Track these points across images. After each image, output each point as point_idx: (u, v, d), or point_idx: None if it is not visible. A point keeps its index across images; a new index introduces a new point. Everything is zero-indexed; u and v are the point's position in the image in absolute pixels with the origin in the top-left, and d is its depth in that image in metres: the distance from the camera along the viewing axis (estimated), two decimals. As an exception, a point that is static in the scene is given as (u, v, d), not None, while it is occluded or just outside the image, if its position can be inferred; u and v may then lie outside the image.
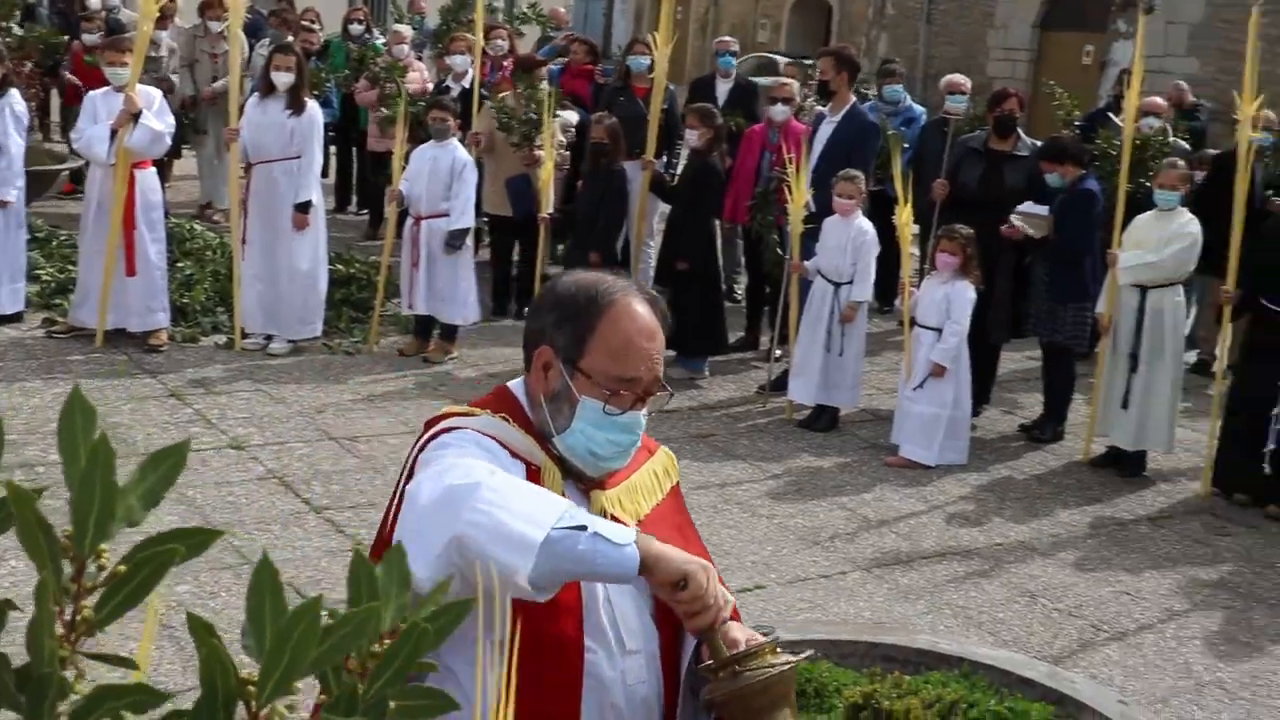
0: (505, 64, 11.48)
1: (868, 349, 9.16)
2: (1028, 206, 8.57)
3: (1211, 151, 10.76)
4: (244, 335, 9.12)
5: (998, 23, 25.22)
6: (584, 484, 2.37)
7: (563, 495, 2.25)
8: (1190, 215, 7.97)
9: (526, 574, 1.95)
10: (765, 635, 2.24)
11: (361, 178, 13.59)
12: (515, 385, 2.46)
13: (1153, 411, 7.94)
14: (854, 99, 9.57)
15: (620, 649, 2.29)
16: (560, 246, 11.26)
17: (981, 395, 8.79)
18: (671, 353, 9.47)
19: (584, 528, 1.99)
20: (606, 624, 2.28)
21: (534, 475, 2.30)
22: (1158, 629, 6.06)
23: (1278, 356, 7.41)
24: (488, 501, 2.01)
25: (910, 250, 8.66)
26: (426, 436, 2.35)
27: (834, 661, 4.92)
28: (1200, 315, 10.45)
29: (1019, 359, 9.90)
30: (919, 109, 11.73)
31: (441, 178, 9.10)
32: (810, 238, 8.56)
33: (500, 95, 10.40)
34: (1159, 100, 10.61)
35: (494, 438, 2.31)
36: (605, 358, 2.29)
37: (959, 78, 10.82)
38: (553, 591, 2.02)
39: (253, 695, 1.13)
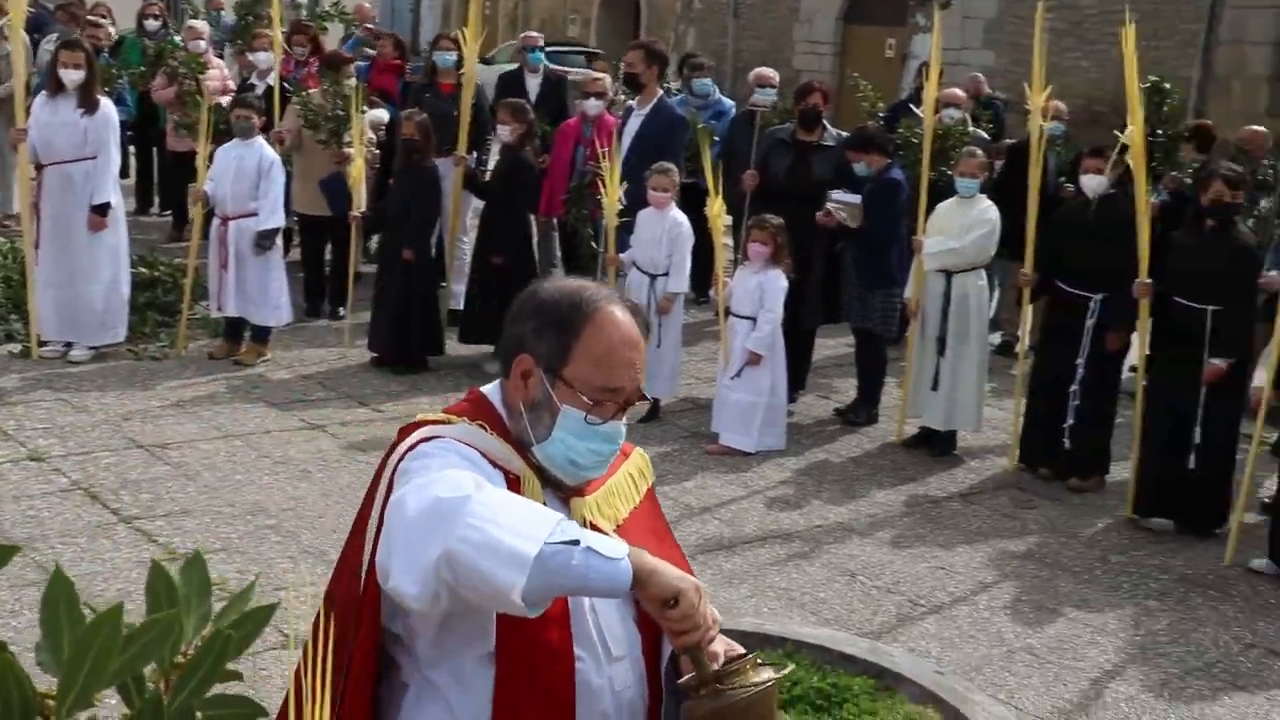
0: (310, 61, 11.26)
1: (685, 339, 9.25)
2: (841, 195, 8.76)
3: (1009, 141, 11.16)
4: (41, 343, 8.74)
5: (803, 17, 25.71)
6: (563, 492, 2.33)
7: (543, 504, 2.20)
8: (989, 202, 8.25)
9: (520, 590, 1.91)
10: (744, 651, 2.22)
11: (162, 178, 13.17)
12: (490, 391, 2.40)
13: (961, 392, 8.20)
14: (661, 92, 9.66)
15: (607, 655, 2.26)
16: (372, 245, 11.10)
17: (797, 381, 8.95)
18: (489, 348, 9.42)
19: (576, 542, 1.95)
20: (593, 631, 2.26)
21: (513, 484, 2.25)
22: (971, 601, 6.25)
23: (1074, 336, 7.73)
24: (478, 516, 1.95)
25: (723, 241, 8.76)
26: (405, 446, 2.26)
27: (661, 649, 4.95)
28: (1002, 298, 10.83)
29: (833, 345, 10.11)
30: (728, 102, 11.88)
31: (248, 177, 8.87)
32: (626, 230, 8.59)
33: (307, 92, 10.19)
34: (958, 92, 10.95)
35: (473, 446, 2.25)
36: (589, 367, 2.25)
37: (766, 71, 11.00)
38: (544, 607, 1.98)
39: (51, 710, 1.08)
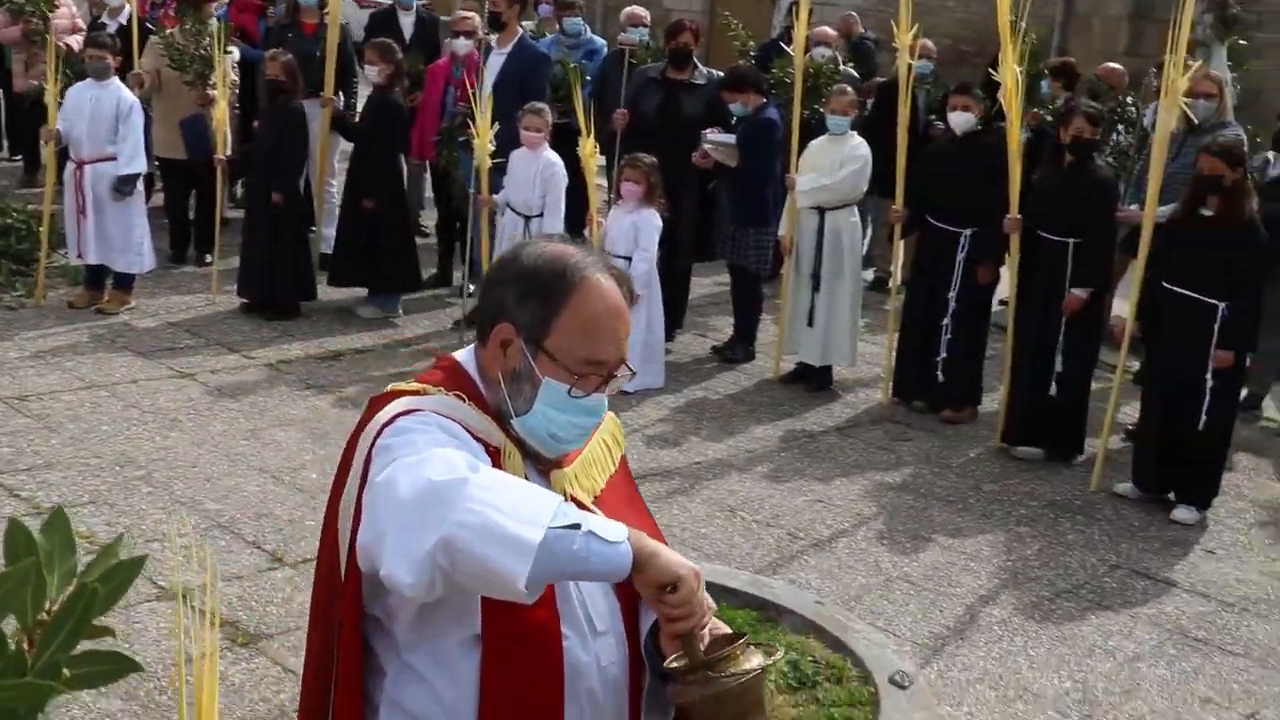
0: (168, 1, 10.88)
1: (562, 280, 9.18)
2: (717, 135, 8.75)
3: (879, 79, 11.24)
4: (-113, 296, 8.37)
5: (673, -45, 25.55)
6: (542, 464, 2.24)
7: (525, 477, 2.14)
8: (860, 139, 8.32)
9: (524, 577, 1.83)
10: (732, 631, 2.16)
11: (11, 120, 12.66)
12: (464, 358, 2.27)
13: (836, 328, 8.29)
14: (522, 30, 9.54)
15: (591, 631, 2.18)
16: (238, 188, 10.82)
17: (674, 320, 8.97)
18: (363, 291, 9.27)
19: (578, 525, 1.89)
20: (577, 607, 2.17)
21: (494, 457, 2.14)
22: (849, 533, 6.36)
23: (945, 271, 7.85)
24: (476, 500, 1.86)
25: (596, 181, 8.71)
26: (381, 420, 2.13)
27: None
28: (875, 235, 10.95)
29: (708, 284, 10.15)
30: (600, 41, 11.75)
31: (105, 120, 8.56)
32: (499, 172, 8.49)
33: (168, 32, 9.85)
34: (828, 30, 10.99)
35: (453, 419, 2.14)
36: (573, 339, 2.14)
37: (638, 10, 10.89)
38: (540, 592, 1.91)
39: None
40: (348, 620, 2.13)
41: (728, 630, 2.15)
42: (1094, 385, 7.68)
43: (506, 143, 8.41)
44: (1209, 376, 6.65)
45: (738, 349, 8.89)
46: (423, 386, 2.21)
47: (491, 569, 1.84)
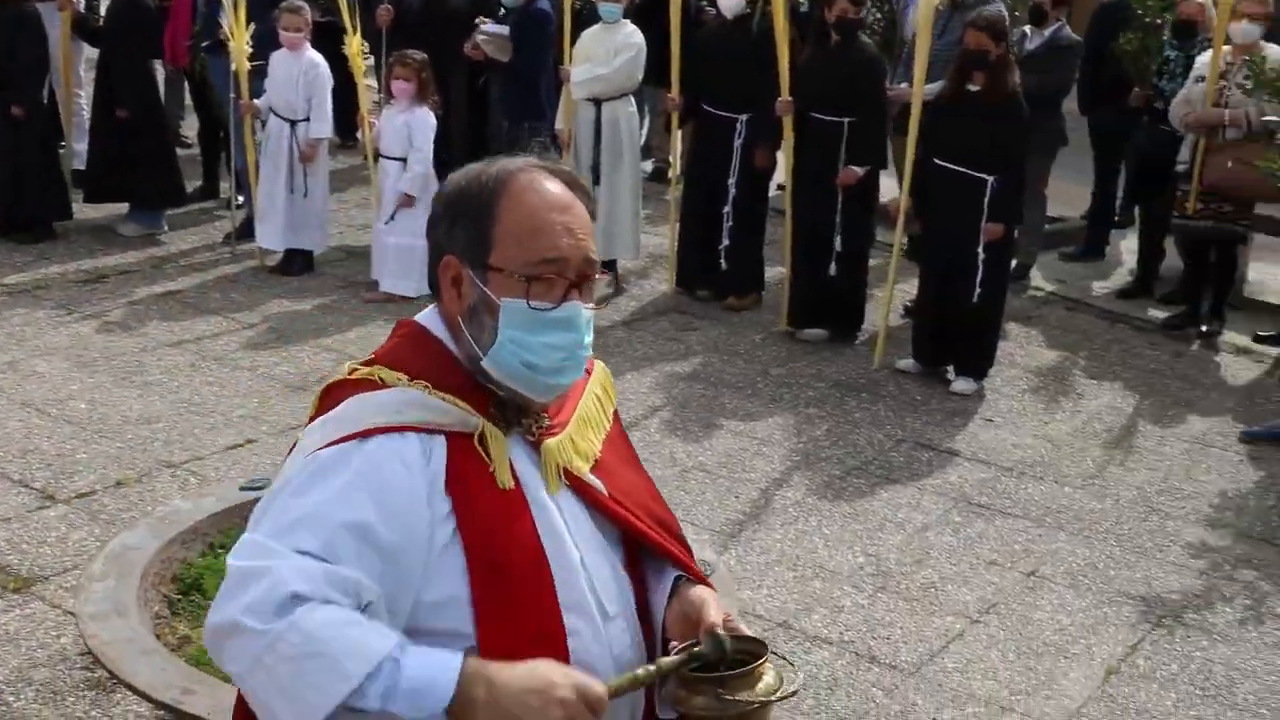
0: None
1: (334, 186, 8.91)
2: (490, 27, 8.51)
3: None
4: None
5: None
6: (532, 435, 1.98)
7: (508, 462, 1.92)
8: (634, 27, 8.19)
9: None
10: (753, 636, 1.97)
11: None
12: (427, 319, 2.01)
13: (617, 221, 8.22)
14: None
15: (603, 615, 1.96)
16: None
17: (454, 222, 8.76)
18: (123, 208, 8.80)
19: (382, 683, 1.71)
20: (585, 591, 1.95)
21: (467, 448, 1.90)
22: (642, 425, 6.36)
23: (723, 158, 7.84)
24: (273, 657, 1.71)
25: (365, 81, 8.39)
26: (316, 444, 1.88)
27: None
28: (652, 125, 10.89)
29: (487, 182, 9.92)
30: (359, -67, 11.30)
31: None
32: (259, 75, 8.10)
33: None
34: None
35: (410, 427, 1.87)
36: (515, 244, 1.89)
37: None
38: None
39: None
40: None
41: (748, 633, 1.96)
42: (872, 263, 7.83)
43: (265, 44, 8.01)
44: (980, 250, 6.84)
45: (520, 248, 8.74)
46: (380, 374, 1.94)
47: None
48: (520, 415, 1.98)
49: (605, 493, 2.03)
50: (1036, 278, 8.82)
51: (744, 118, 7.75)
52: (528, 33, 8.32)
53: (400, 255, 7.81)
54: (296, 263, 8.21)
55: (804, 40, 7.81)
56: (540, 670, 1.76)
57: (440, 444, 1.89)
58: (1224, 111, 7.45)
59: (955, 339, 7.06)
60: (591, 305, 1.97)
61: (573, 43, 8.16)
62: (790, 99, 7.41)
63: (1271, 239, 8.45)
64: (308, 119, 8.06)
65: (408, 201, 7.78)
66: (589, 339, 1.98)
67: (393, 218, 7.82)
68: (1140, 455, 6.47)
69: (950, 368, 7.15)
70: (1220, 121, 7.46)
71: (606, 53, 8.05)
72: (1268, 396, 7.21)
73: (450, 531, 1.86)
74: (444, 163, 8.14)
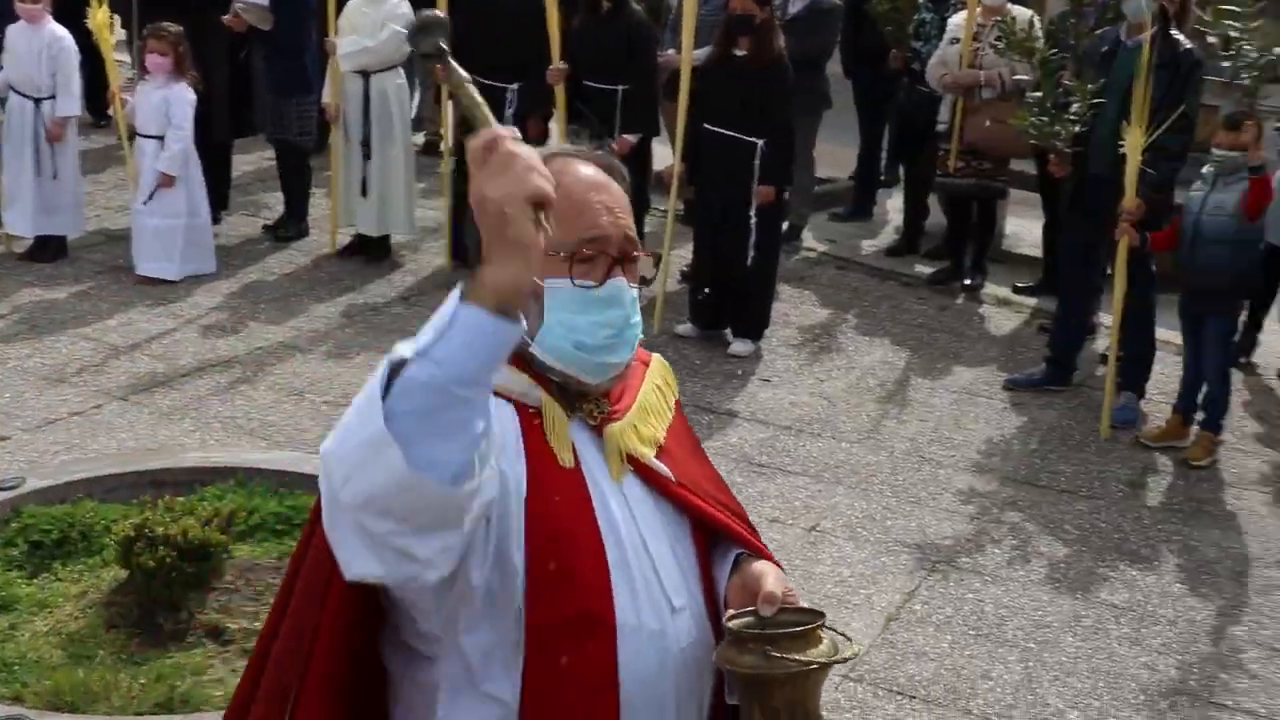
0: None
1: (88, 167, 8.51)
2: (249, -6, 8.21)
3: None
4: None
5: None
6: (595, 420, 1.96)
7: (570, 442, 1.91)
8: (401, -2, 8.01)
9: (400, 458, 1.58)
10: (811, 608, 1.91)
11: None
12: None
13: (391, 196, 8.06)
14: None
15: (670, 609, 1.91)
16: None
17: (219, 200, 8.44)
18: None
19: (404, 360, 1.64)
20: (650, 578, 1.91)
21: (534, 422, 1.89)
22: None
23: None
24: (334, 444, 1.69)
25: (115, 56, 8.00)
26: None
27: (99, 499, 4.62)
28: (423, 97, 10.70)
29: (253, 159, 9.62)
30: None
31: None
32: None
33: None
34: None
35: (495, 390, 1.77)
36: (554, 225, 1.75)
37: None
38: (467, 474, 1.62)
39: None
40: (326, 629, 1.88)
41: (806, 605, 1.93)
42: (647, 230, 7.87)
43: (0, 17, 7.57)
44: (752, 213, 6.93)
45: (290, 226, 8.50)
46: None
47: (376, 481, 1.63)
48: (580, 400, 1.97)
49: (673, 479, 2.00)
50: (808, 239, 8.99)
51: (515, 86, 7.66)
52: (289, 2, 8.06)
53: (162, 237, 7.51)
54: (49, 248, 7.81)
55: (573, 7, 7.76)
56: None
57: (511, 411, 1.89)
58: (979, 72, 7.73)
59: (731, 301, 7.15)
60: (635, 285, 1.97)
61: (338, 12, 7.94)
62: (563, 66, 7.37)
63: (1026, 193, 8.81)
64: (53, 96, 7.65)
65: (167, 181, 7.47)
66: (637, 317, 1.98)
67: (151, 198, 7.50)
68: (912, 408, 6.68)
69: (728, 330, 7.24)
70: (976, 82, 7.74)
71: (373, 25, 7.86)
72: (1027, 345, 7.53)
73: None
74: (204, 141, 7.85)
